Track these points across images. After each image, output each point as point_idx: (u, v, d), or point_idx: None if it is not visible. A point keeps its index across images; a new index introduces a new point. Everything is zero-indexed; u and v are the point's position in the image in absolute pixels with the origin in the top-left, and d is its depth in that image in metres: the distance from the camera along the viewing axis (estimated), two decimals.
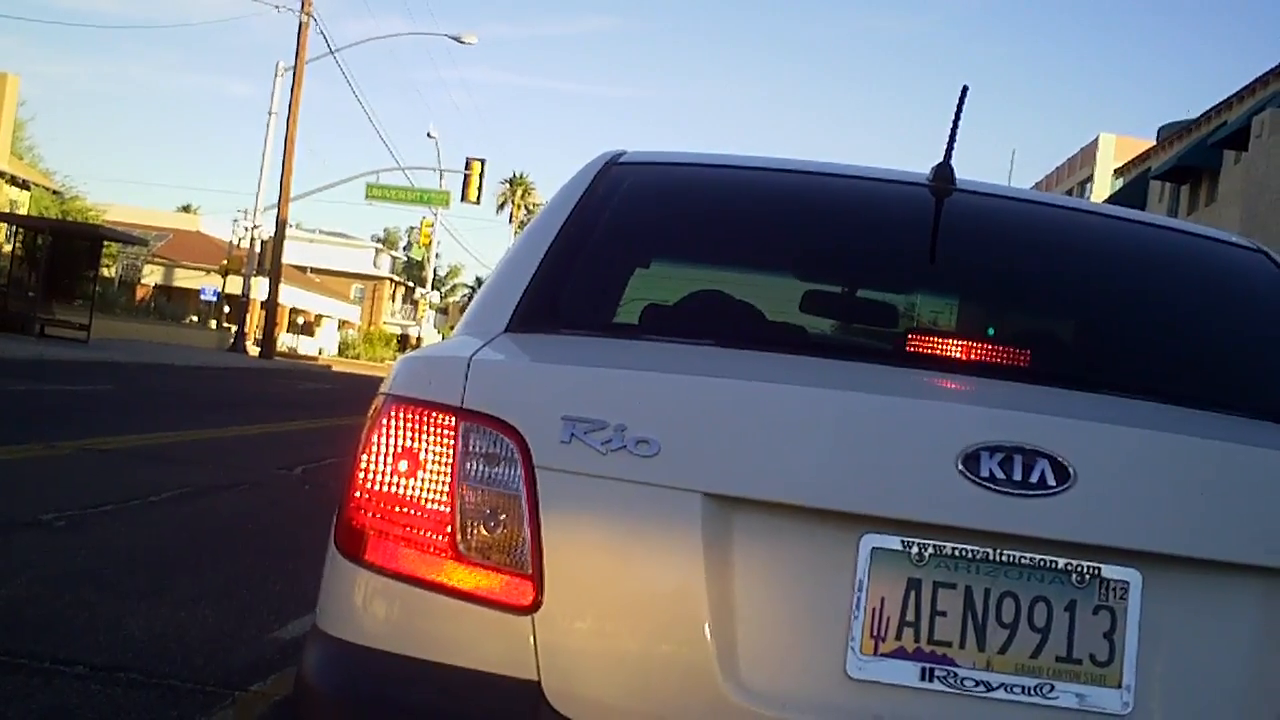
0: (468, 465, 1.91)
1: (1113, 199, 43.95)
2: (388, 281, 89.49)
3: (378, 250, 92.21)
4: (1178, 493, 1.84)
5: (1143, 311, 2.80)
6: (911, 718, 1.78)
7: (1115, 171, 49.52)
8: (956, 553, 1.82)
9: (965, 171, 2.60)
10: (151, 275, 57.26)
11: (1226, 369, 2.59)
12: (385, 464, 1.97)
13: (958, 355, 2.30)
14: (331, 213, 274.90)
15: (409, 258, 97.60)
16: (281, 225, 40.37)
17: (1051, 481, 1.79)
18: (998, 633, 1.80)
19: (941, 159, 2.52)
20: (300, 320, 72.23)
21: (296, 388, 26.36)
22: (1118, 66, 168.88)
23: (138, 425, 12.75)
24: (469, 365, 1.97)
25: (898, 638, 1.80)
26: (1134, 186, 40.86)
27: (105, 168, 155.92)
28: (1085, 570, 1.82)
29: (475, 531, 1.89)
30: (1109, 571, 1.82)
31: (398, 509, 1.94)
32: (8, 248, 33.05)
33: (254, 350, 42.09)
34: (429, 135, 52.14)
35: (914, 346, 2.37)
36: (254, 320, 46.79)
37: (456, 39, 43.08)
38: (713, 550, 1.82)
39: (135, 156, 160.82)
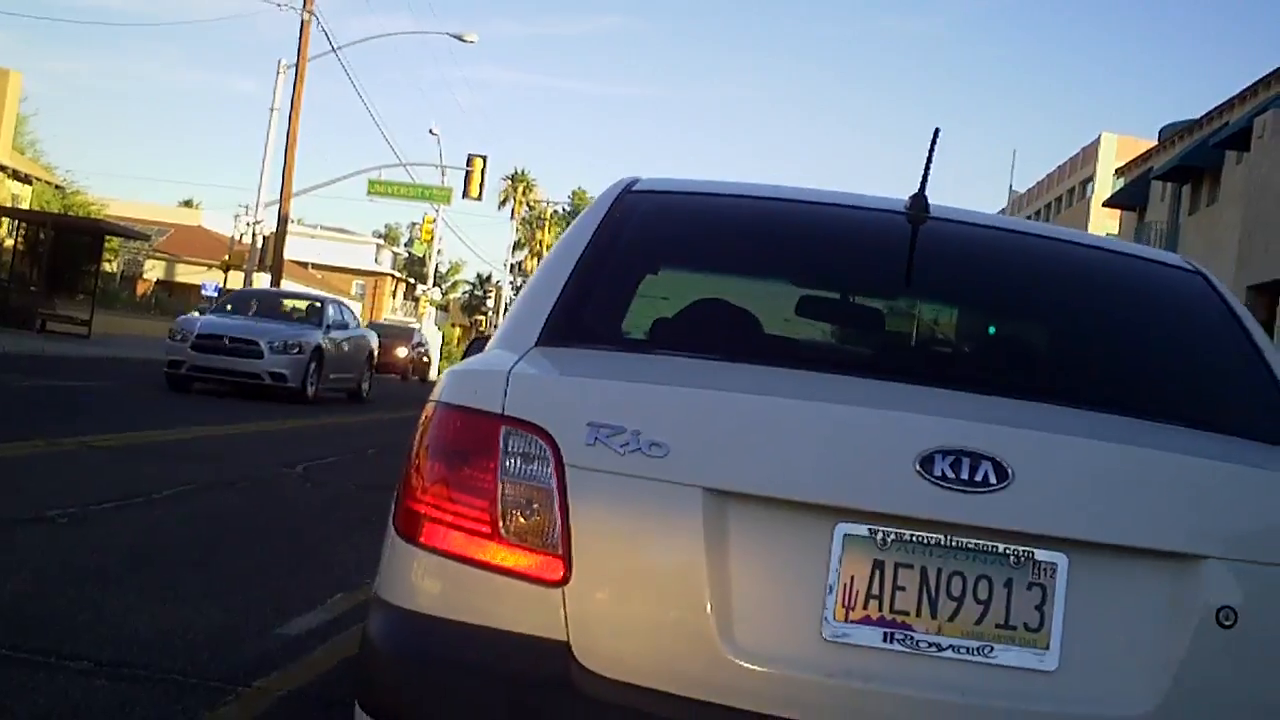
0: (508, 463, 2.23)
1: (1114, 199, 43.93)
2: (389, 278, 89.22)
3: (379, 246, 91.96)
4: (1100, 489, 2.18)
5: (1085, 329, 3.16)
6: (875, 672, 2.12)
7: (1117, 171, 49.42)
8: (914, 539, 2.15)
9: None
10: (153, 270, 57.19)
11: (1155, 380, 2.91)
12: (437, 461, 2.31)
13: (922, 368, 2.78)
14: (333, 209, 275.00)
15: (410, 254, 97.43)
16: (283, 221, 40.32)
17: (993, 480, 2.12)
18: (947, 604, 2.14)
19: (917, 190, 2.85)
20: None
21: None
22: (1120, 66, 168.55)
23: (140, 421, 12.78)
24: (508, 378, 2.29)
25: (865, 608, 2.14)
26: (1135, 186, 40.78)
27: (108, 163, 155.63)
28: (1020, 554, 2.15)
29: (514, 518, 2.21)
30: (1040, 555, 2.15)
31: (448, 499, 2.27)
32: (9, 242, 33.03)
33: None
34: (431, 132, 52.28)
35: (885, 360, 2.88)
36: None
37: (458, 37, 42.95)
38: (712, 535, 2.15)
39: (137, 152, 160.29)
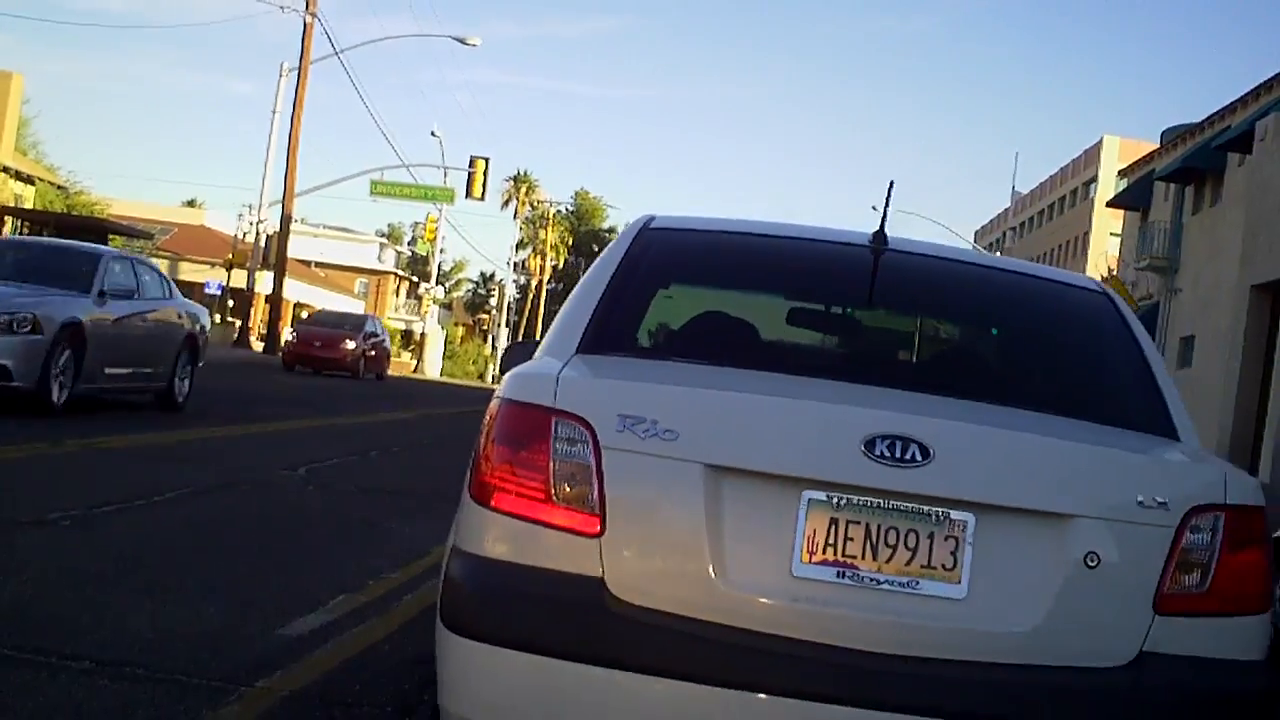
0: (557, 445, 2.88)
1: (1117, 199, 43.91)
2: (392, 276, 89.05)
3: (382, 245, 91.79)
4: (1000, 465, 2.87)
5: (1004, 339, 4.05)
6: (830, 599, 2.79)
7: (1119, 173, 49.37)
8: (860, 502, 2.82)
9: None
10: None
11: (1057, 381, 3.70)
12: (503, 444, 2.96)
13: (872, 371, 3.61)
14: (336, 208, 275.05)
15: (413, 253, 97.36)
16: (286, 220, 40.37)
17: (919, 458, 2.79)
18: (885, 550, 2.81)
19: (878, 228, 3.67)
20: (304, 314, 72.00)
21: (301, 384, 26.40)
22: (1122, 69, 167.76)
23: (141, 423, 12.79)
24: (558, 380, 2.97)
25: (823, 553, 2.81)
26: (1138, 187, 40.74)
27: (111, 164, 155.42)
28: (940, 514, 2.82)
29: (562, 487, 2.87)
30: (955, 515, 2.82)
31: (512, 472, 2.92)
32: None
33: (258, 345, 42.03)
34: (433, 134, 52.01)
35: (844, 364, 3.80)
36: (258, 314, 46.58)
37: (460, 40, 43.00)
38: (710, 500, 2.82)
39: (141, 154, 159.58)
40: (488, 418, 3.06)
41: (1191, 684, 2.84)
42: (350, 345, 34.26)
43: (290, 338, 35.71)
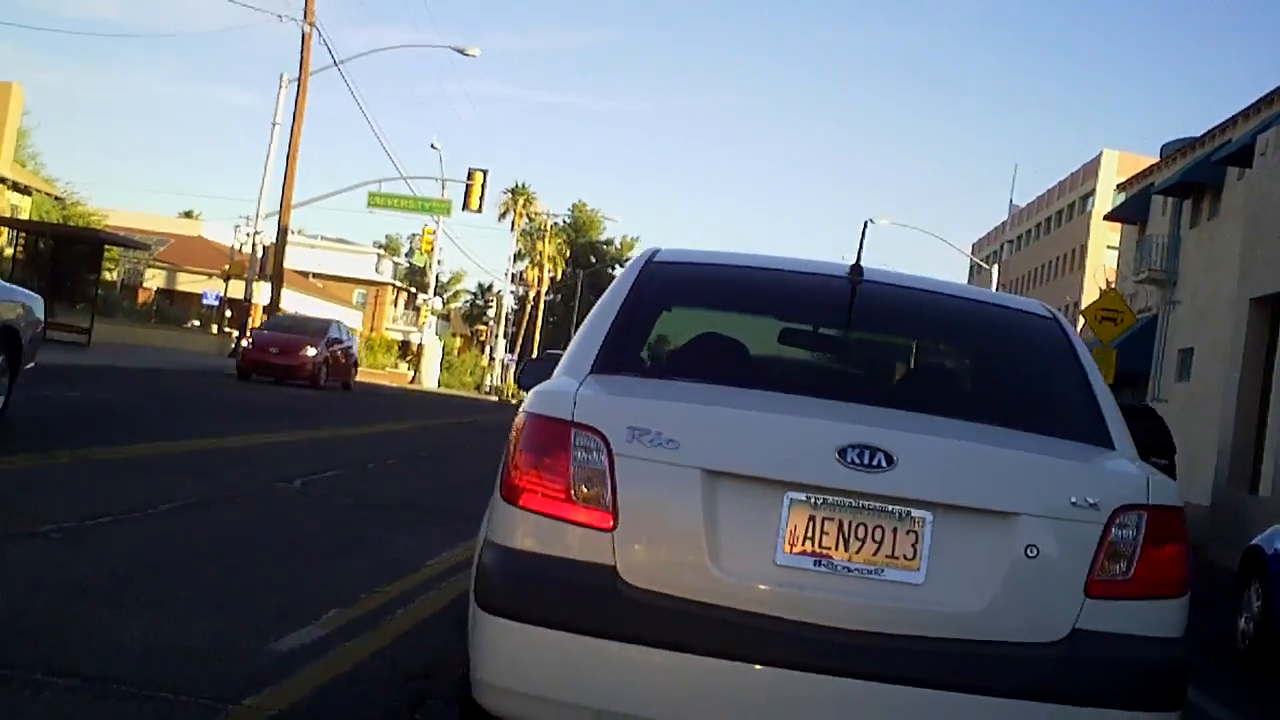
0: (576, 453, 3.35)
1: (1115, 212, 43.91)
2: (389, 287, 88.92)
3: (379, 256, 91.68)
4: (955, 470, 3.35)
5: (961, 360, 4.79)
6: (808, 584, 3.26)
7: (1118, 186, 49.36)
8: (835, 501, 3.29)
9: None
10: (153, 279, 57.07)
11: (1007, 397, 4.20)
12: (529, 452, 3.43)
13: (845, 388, 4.09)
14: (333, 220, 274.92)
15: (411, 264, 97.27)
16: (283, 232, 40.31)
17: (884, 464, 3.27)
18: (855, 543, 3.28)
19: (855, 262, 4.17)
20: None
21: (296, 395, 26.30)
22: (1122, 83, 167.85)
23: (137, 433, 12.73)
24: (575, 397, 3.44)
25: (803, 545, 3.28)
26: (1137, 201, 40.72)
27: (109, 175, 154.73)
28: (902, 512, 3.29)
29: (580, 489, 3.34)
30: (915, 513, 3.29)
31: (537, 476, 3.38)
32: (9, 252, 32.97)
33: None
34: (432, 146, 52.26)
35: (823, 382, 4.31)
36: (256, 325, 46.44)
37: (460, 51, 43.00)
38: (707, 500, 3.29)
39: (139, 164, 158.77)
40: (514, 430, 3.54)
41: (1116, 656, 3.30)
42: (310, 352, 30.36)
43: (246, 343, 31.94)
